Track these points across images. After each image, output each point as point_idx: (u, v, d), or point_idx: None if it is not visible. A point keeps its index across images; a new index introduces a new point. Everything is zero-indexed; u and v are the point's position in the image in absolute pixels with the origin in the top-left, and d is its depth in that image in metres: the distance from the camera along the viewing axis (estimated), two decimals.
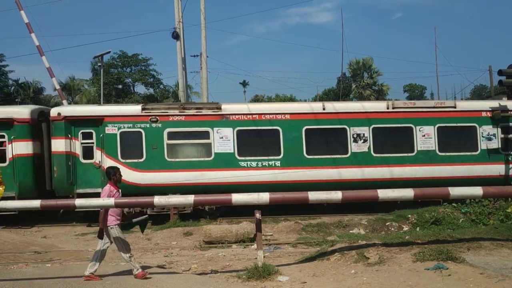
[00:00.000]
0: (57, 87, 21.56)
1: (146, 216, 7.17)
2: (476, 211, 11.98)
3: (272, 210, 12.43)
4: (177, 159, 13.18)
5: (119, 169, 7.32)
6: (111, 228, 6.88)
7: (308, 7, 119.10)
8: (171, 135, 13.25)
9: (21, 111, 13.52)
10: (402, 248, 7.44)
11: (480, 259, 6.82)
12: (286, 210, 13.28)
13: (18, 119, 13.23)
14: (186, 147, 13.37)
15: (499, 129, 13.83)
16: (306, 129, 13.47)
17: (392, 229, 11.75)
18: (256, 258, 7.22)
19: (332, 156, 13.41)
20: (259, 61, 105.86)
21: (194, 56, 32.91)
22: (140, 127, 13.20)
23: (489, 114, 13.92)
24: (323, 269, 7.10)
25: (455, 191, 7.36)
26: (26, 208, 8.43)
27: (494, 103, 14.19)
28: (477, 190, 7.36)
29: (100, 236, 6.90)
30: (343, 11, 77.00)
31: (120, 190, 7.20)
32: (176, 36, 19.98)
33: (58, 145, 13.02)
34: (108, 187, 7.06)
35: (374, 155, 13.52)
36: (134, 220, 7.15)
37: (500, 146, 13.75)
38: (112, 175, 7.13)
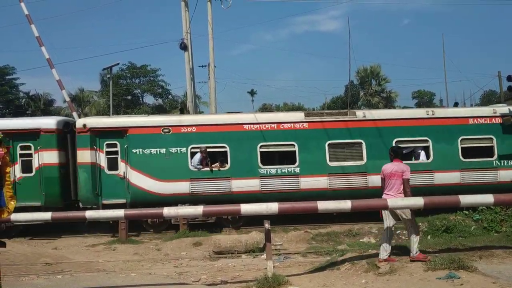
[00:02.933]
0: (67, 99, 21.82)
1: None
2: (488, 219, 11.84)
3: (282, 219, 12.46)
4: None
5: None
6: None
7: (316, 15, 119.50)
8: None
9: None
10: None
11: (492, 268, 6.75)
12: (296, 220, 13.29)
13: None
14: None
15: None
16: None
17: (403, 237, 11.62)
18: (266, 268, 7.20)
19: None
20: (266, 70, 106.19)
21: (202, 66, 33.22)
22: None
23: None
24: (333, 279, 7.06)
25: (466, 199, 7.29)
26: (37, 220, 8.47)
27: None
28: (489, 198, 7.29)
29: (396, 218, 7.38)
30: (350, 19, 76.73)
31: None
32: (184, 47, 20.15)
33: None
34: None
35: None
36: None
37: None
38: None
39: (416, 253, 7.25)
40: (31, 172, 13.63)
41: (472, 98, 48.57)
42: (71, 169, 13.90)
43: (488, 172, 13.90)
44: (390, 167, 7.53)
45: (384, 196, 7.44)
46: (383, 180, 7.59)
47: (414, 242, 7.30)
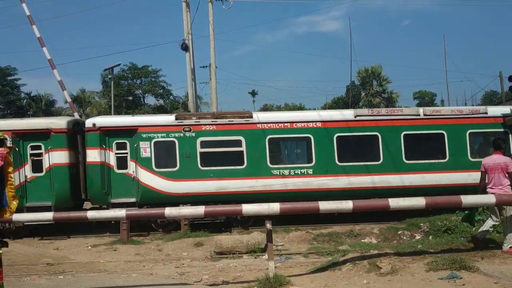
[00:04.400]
0: (69, 99, 21.90)
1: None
2: None
3: (283, 220, 12.45)
4: None
5: None
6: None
7: (316, 16, 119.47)
8: None
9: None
10: (415, 258, 7.37)
11: (494, 268, 6.74)
12: (297, 220, 13.28)
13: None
14: None
15: None
16: None
17: (404, 238, 11.64)
18: (267, 268, 7.20)
19: None
20: (267, 70, 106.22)
21: (204, 67, 33.27)
22: None
23: None
24: (335, 280, 7.05)
25: (468, 199, 7.27)
26: (39, 221, 8.48)
27: None
28: (490, 198, 7.29)
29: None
30: (350, 19, 77.03)
31: None
32: (185, 47, 20.17)
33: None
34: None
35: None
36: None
37: None
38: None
39: (509, 247, 7.45)
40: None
41: (474, 99, 48.55)
42: None
43: None
44: (491, 160, 7.49)
45: (488, 190, 7.49)
46: (483, 173, 7.58)
47: (508, 239, 7.49)
